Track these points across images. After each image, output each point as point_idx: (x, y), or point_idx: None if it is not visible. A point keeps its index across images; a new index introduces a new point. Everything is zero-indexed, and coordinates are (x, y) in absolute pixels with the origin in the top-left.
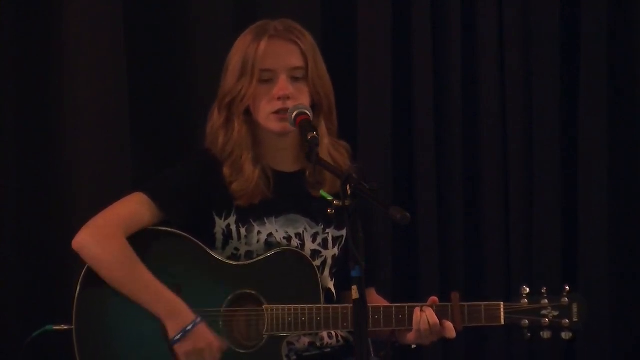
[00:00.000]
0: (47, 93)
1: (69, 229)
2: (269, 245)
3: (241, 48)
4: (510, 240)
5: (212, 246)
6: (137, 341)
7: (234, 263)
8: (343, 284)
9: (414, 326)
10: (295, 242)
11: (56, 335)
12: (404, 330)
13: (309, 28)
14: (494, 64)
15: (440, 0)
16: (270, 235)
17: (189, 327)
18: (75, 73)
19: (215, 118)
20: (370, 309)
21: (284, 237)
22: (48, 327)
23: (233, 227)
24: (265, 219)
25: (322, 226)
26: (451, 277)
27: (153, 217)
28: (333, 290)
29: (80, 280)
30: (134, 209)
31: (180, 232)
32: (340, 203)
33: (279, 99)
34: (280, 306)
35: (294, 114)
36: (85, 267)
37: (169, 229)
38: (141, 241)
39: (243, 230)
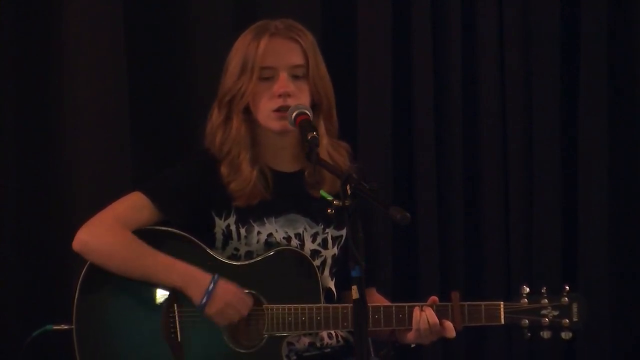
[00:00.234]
0: (47, 93)
1: (69, 229)
2: (268, 245)
3: (241, 47)
4: (510, 240)
5: (212, 246)
6: (137, 340)
7: (234, 263)
8: (343, 284)
9: (414, 326)
10: (295, 242)
11: (56, 334)
12: (404, 330)
13: (309, 28)
14: (494, 64)
15: (440, 0)
16: (270, 235)
17: (211, 287)
18: (75, 73)
19: (215, 117)
20: (370, 308)
21: (283, 237)
22: (48, 327)
23: (233, 227)
24: (265, 219)
25: (322, 226)
26: (451, 277)
27: (151, 217)
28: (333, 290)
29: (80, 280)
30: (132, 207)
31: (180, 232)
32: (340, 203)
33: (279, 96)
34: (281, 306)
35: (294, 113)
36: (85, 267)
37: (169, 229)
38: (142, 240)
39: (243, 231)
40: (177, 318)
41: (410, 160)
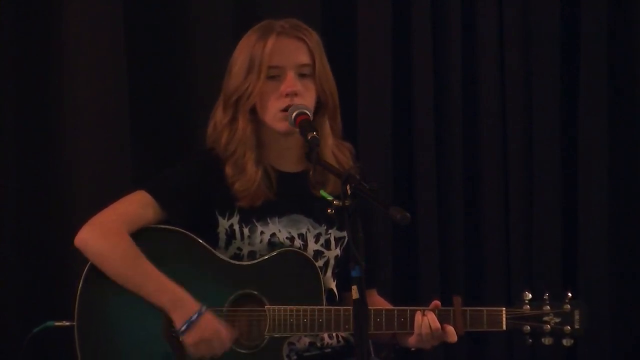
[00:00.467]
0: (47, 93)
1: (69, 229)
2: (272, 245)
3: (247, 47)
4: (510, 240)
5: (215, 246)
6: (139, 338)
7: (236, 263)
8: (344, 285)
9: (416, 330)
10: (298, 242)
11: (57, 331)
12: (405, 333)
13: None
14: (494, 64)
15: (440, 0)
16: (273, 235)
17: (194, 318)
18: (75, 73)
19: (220, 117)
20: (373, 311)
21: (287, 238)
22: (49, 323)
23: (236, 227)
24: (268, 219)
25: (325, 227)
26: (451, 277)
27: (155, 216)
28: (335, 291)
29: (82, 276)
30: (136, 206)
31: (184, 231)
32: (341, 203)
33: (286, 95)
34: (282, 307)
35: (294, 114)
36: (88, 264)
37: (173, 228)
38: (144, 239)
39: (246, 230)
40: None
41: (410, 160)
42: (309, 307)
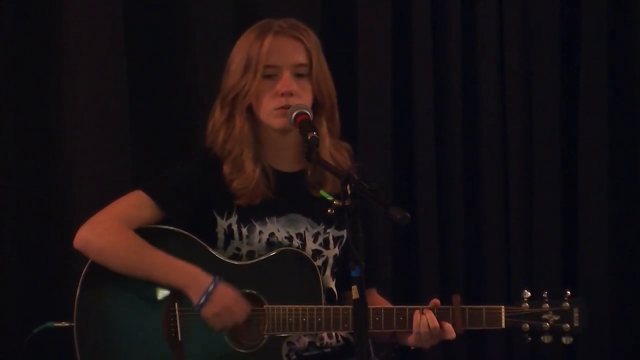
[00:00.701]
0: (47, 93)
1: (69, 229)
2: (270, 245)
3: (244, 45)
4: (510, 240)
5: (214, 246)
6: (138, 338)
7: (235, 263)
8: (344, 284)
9: (414, 329)
10: (296, 242)
11: (57, 332)
12: (405, 332)
13: (309, 28)
14: (494, 64)
15: (440, 0)
16: (271, 235)
17: (210, 289)
18: (75, 73)
19: (217, 116)
20: (371, 310)
21: (285, 237)
22: (49, 324)
23: (235, 227)
24: (266, 219)
25: (323, 226)
26: (451, 277)
27: (153, 216)
28: (334, 290)
29: (81, 277)
30: (134, 206)
31: (183, 231)
32: (340, 203)
33: (282, 95)
34: (281, 306)
35: (294, 114)
36: (87, 265)
37: (172, 228)
38: (143, 239)
39: (245, 230)
40: (177, 317)
41: (410, 160)
42: (307, 307)
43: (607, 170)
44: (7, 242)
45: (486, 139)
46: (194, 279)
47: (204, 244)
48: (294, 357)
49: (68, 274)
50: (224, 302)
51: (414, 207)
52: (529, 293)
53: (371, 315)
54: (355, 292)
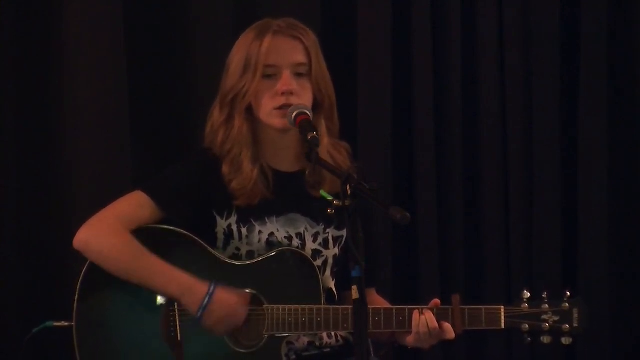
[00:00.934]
0: (47, 93)
1: (69, 229)
2: (270, 245)
3: (244, 45)
4: (510, 240)
5: (214, 246)
6: (138, 338)
7: (235, 263)
8: (343, 284)
9: (414, 329)
10: (296, 242)
11: (56, 331)
12: (404, 332)
13: (309, 28)
14: (494, 64)
15: (440, 0)
16: (271, 234)
17: (206, 301)
18: (75, 73)
19: (217, 116)
20: (371, 310)
21: (285, 237)
22: (48, 324)
23: (234, 227)
24: (266, 219)
25: (323, 226)
26: (451, 277)
27: (152, 216)
28: (334, 290)
29: (81, 277)
30: (134, 206)
31: (182, 231)
32: (340, 203)
33: (282, 94)
34: (281, 306)
35: (294, 113)
36: (87, 265)
37: (171, 228)
38: (143, 239)
39: (244, 230)
40: (177, 317)
41: (410, 160)
42: (307, 307)
43: (607, 170)
44: (7, 242)
45: (486, 139)
46: (189, 290)
47: (204, 244)
48: (294, 357)
49: (68, 274)
50: (221, 312)
51: (414, 207)
52: (529, 293)
53: (371, 315)
54: (355, 292)
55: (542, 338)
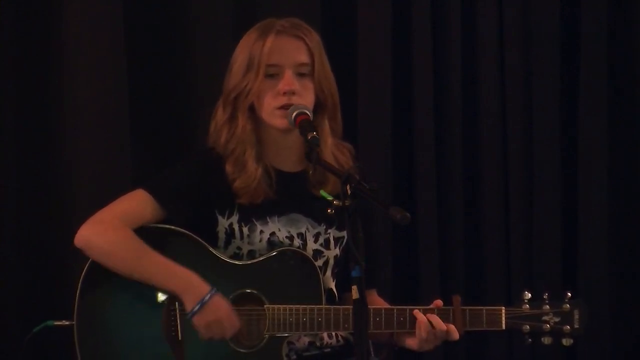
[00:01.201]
0: (47, 93)
1: (69, 229)
2: (271, 244)
3: (247, 45)
4: (510, 240)
5: (215, 245)
6: (138, 338)
7: (236, 262)
8: (344, 285)
9: (417, 334)
10: (297, 241)
11: (57, 331)
12: (404, 334)
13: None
14: (494, 64)
15: (440, 0)
16: (272, 234)
17: (206, 298)
18: (75, 73)
19: (220, 115)
20: (372, 311)
21: (286, 237)
22: (49, 323)
23: (236, 226)
24: (267, 218)
25: (324, 226)
26: (451, 277)
27: (154, 214)
28: (335, 291)
29: (82, 276)
30: (135, 205)
31: (183, 230)
32: (341, 203)
33: (284, 94)
34: (282, 306)
35: (294, 113)
36: (88, 264)
37: (172, 227)
38: (143, 239)
39: (245, 230)
40: (178, 316)
41: (410, 160)
42: (308, 306)
43: (607, 170)
44: (7, 242)
45: (486, 139)
46: (191, 286)
47: (205, 244)
48: (294, 357)
49: (68, 274)
50: (217, 314)
51: (414, 207)
52: (529, 294)
53: (371, 315)
54: (355, 292)
55: (542, 339)
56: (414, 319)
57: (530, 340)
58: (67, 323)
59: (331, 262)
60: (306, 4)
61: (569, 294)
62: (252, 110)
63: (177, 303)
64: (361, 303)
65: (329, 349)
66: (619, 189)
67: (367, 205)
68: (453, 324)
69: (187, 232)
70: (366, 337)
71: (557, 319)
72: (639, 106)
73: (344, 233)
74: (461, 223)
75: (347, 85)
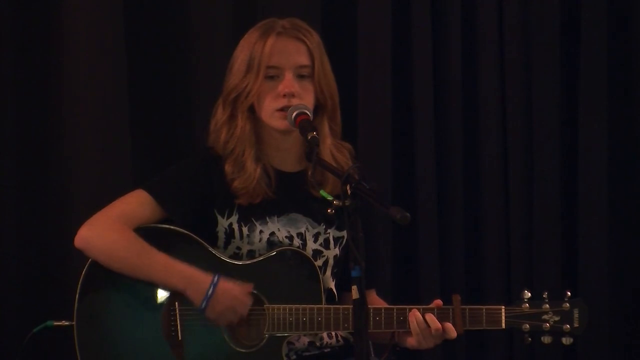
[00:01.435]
0: (47, 93)
1: (69, 229)
2: (271, 244)
3: (248, 45)
4: (510, 240)
5: (215, 245)
6: (138, 338)
7: (236, 262)
8: (344, 285)
9: (412, 331)
10: (296, 241)
11: (57, 331)
12: (405, 334)
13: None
14: (494, 63)
15: (441, 1)
16: (272, 234)
17: (209, 292)
18: (75, 73)
19: (219, 114)
20: (372, 310)
21: (285, 237)
22: (49, 323)
23: (235, 226)
24: (267, 218)
25: (324, 226)
26: (451, 277)
27: (154, 215)
28: (334, 291)
29: (82, 276)
30: (135, 205)
31: (183, 231)
32: (341, 203)
33: (284, 96)
34: (282, 306)
35: (294, 113)
36: (87, 264)
37: (172, 227)
38: (144, 239)
39: (245, 229)
40: (177, 316)
41: (410, 160)
42: (308, 306)
43: (607, 170)
44: (7, 242)
45: (486, 139)
46: (193, 282)
47: (204, 244)
48: (294, 357)
49: (68, 274)
50: (225, 302)
51: (414, 207)
52: (529, 293)
53: (371, 314)
54: (355, 292)
55: (542, 338)
56: None
57: (530, 339)
58: (67, 323)
59: (331, 261)
60: (306, 3)
61: (569, 293)
62: (252, 111)
63: (176, 303)
64: (361, 303)
65: (328, 349)
66: (619, 189)
67: (367, 205)
68: (453, 324)
69: (186, 232)
70: (366, 337)
71: (556, 318)
72: (639, 106)
73: (344, 233)
74: (461, 223)
75: (347, 85)
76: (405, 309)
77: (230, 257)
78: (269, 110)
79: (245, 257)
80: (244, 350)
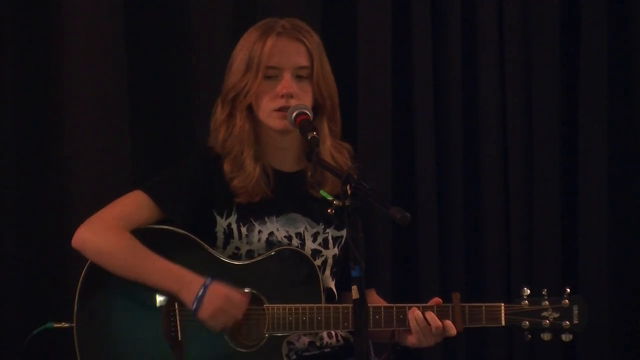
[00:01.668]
0: (47, 93)
1: (69, 229)
2: (269, 244)
3: (247, 44)
4: (510, 240)
5: (213, 245)
6: (138, 339)
7: (235, 262)
8: (344, 285)
9: (412, 329)
10: (295, 241)
11: (57, 333)
12: (405, 332)
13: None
14: (494, 63)
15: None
16: (271, 234)
17: (200, 293)
18: (75, 73)
19: (218, 112)
20: (371, 309)
21: (284, 237)
22: (49, 325)
23: (234, 226)
24: (266, 218)
25: (323, 226)
26: (451, 277)
27: (152, 216)
28: (334, 290)
29: (81, 277)
30: (133, 206)
31: (182, 231)
32: (340, 203)
33: (282, 96)
34: (281, 306)
35: (294, 114)
36: (87, 266)
37: (171, 228)
38: (142, 239)
39: (244, 229)
40: (177, 317)
41: (410, 160)
42: (307, 306)
43: (607, 170)
44: (7, 242)
45: (486, 139)
46: (186, 284)
47: (203, 244)
48: (294, 356)
49: (68, 274)
50: (216, 303)
51: (414, 207)
52: (529, 290)
53: (371, 313)
54: (355, 292)
55: (542, 335)
56: None
57: (529, 336)
58: (66, 325)
59: (330, 261)
60: (306, 3)
61: (568, 290)
62: (250, 110)
63: (176, 304)
64: (361, 303)
65: (328, 349)
66: (619, 189)
67: (367, 205)
68: (452, 321)
69: (186, 232)
70: (366, 337)
71: (556, 315)
72: (639, 106)
73: (343, 232)
74: (461, 223)
75: (347, 85)
76: (405, 307)
77: (229, 257)
78: (267, 110)
79: (244, 257)
80: (244, 350)
